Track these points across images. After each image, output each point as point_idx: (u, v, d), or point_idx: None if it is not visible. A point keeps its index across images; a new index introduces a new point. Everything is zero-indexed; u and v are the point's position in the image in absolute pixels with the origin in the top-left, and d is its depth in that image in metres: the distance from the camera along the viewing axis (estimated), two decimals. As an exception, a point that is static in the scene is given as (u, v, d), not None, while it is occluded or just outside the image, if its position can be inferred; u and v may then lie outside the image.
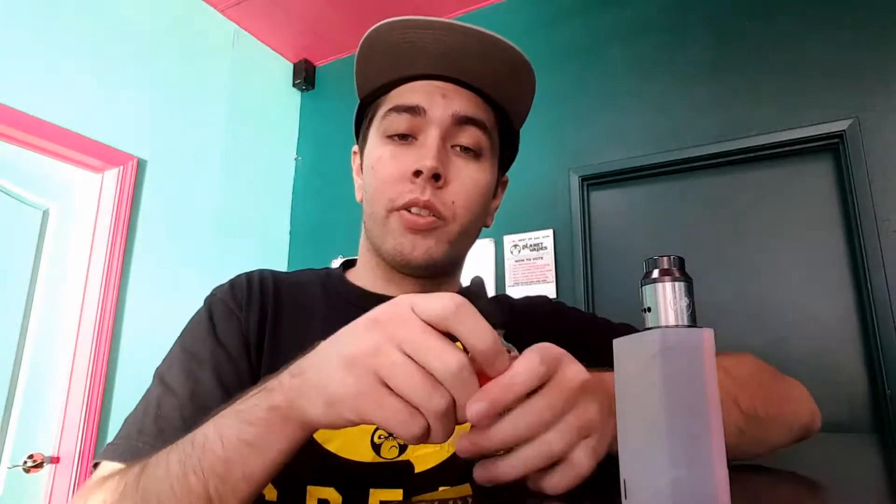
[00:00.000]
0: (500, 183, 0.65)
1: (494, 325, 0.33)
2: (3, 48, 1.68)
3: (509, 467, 0.32)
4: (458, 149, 0.55)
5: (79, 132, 1.84)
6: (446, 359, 0.30)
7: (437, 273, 0.58)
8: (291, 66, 2.81)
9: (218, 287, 0.60)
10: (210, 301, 0.58)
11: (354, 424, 0.33)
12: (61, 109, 1.80)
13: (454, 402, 0.30)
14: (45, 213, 1.84)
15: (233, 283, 0.59)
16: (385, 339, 0.31)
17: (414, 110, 0.54)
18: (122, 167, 1.95)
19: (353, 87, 0.61)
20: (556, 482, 0.33)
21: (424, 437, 0.31)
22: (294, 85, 2.79)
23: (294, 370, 0.36)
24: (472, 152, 0.56)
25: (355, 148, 0.66)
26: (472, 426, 0.32)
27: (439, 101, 0.55)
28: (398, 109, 0.55)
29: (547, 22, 2.22)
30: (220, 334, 0.54)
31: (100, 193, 1.95)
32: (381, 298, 0.58)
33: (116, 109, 1.98)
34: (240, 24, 2.52)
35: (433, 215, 0.53)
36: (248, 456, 0.35)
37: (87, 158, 1.88)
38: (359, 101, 0.62)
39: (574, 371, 0.34)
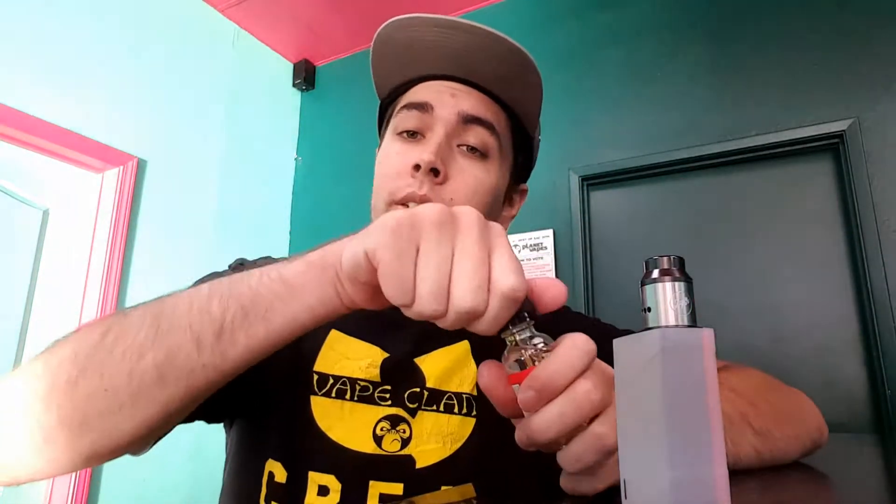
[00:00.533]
0: (517, 191, 0.65)
1: (526, 316, 0.33)
2: (3, 48, 1.68)
3: (567, 464, 0.31)
4: (464, 148, 0.55)
5: (79, 132, 1.84)
6: (469, 293, 0.29)
7: None
8: (291, 66, 2.81)
9: (241, 257, 0.62)
10: (233, 264, 0.60)
11: (366, 265, 0.31)
12: (61, 109, 1.80)
13: (442, 316, 0.30)
14: (45, 213, 1.84)
15: (257, 260, 0.60)
16: (453, 230, 0.31)
17: (422, 107, 0.55)
18: (122, 167, 1.95)
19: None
20: (585, 484, 0.31)
21: (396, 304, 0.30)
22: (294, 85, 2.79)
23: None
24: (479, 153, 0.55)
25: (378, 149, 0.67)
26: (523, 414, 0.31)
27: (447, 100, 0.55)
28: (409, 107, 0.56)
29: (547, 22, 2.22)
30: None
31: (100, 193, 1.96)
32: None
33: (116, 109, 1.98)
34: (240, 24, 2.52)
35: None
36: (279, 293, 0.34)
37: (87, 158, 1.88)
38: (379, 101, 0.63)
39: (606, 365, 0.32)
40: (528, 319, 0.33)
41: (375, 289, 0.32)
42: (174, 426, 0.46)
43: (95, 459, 0.36)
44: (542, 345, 0.32)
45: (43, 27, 1.78)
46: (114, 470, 1.83)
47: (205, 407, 0.50)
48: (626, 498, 0.25)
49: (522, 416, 0.32)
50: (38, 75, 1.76)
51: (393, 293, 0.30)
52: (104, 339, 0.35)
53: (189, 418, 0.48)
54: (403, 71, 0.58)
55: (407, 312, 0.30)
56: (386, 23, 0.54)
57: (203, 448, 2.05)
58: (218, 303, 0.35)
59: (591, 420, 0.30)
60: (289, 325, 0.35)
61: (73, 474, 1.72)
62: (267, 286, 0.35)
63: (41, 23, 1.78)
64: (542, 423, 0.30)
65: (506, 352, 0.34)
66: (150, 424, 0.35)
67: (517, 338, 0.33)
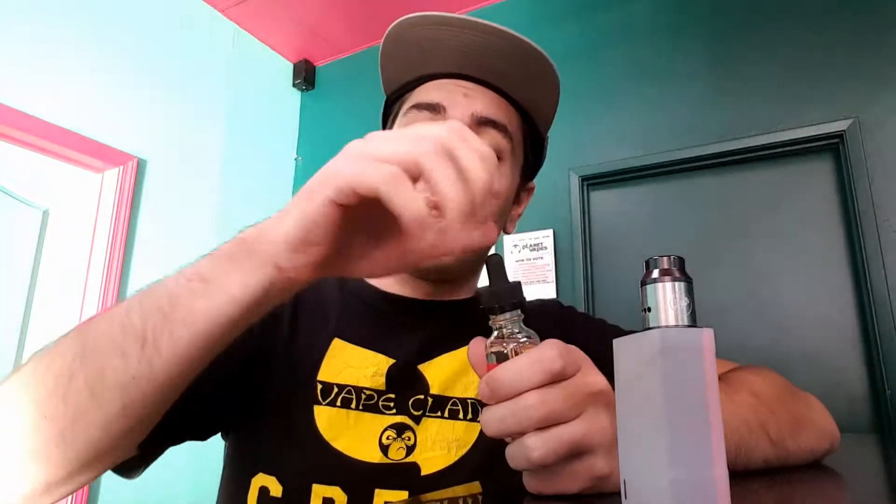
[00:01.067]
0: (525, 189, 0.64)
1: (514, 306, 0.33)
2: (3, 48, 1.68)
3: (509, 459, 0.32)
4: None
5: (79, 132, 1.84)
6: (439, 123, 0.29)
7: (450, 278, 0.58)
8: (291, 66, 2.81)
9: None
10: None
11: (328, 217, 0.30)
12: (61, 109, 1.80)
13: (448, 148, 0.29)
14: (45, 213, 1.84)
15: None
16: (374, 138, 0.31)
17: (434, 108, 0.53)
18: (122, 167, 1.95)
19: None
20: (532, 486, 0.33)
21: (396, 183, 0.28)
22: (294, 85, 2.79)
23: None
24: None
25: None
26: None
27: (460, 101, 0.53)
28: (419, 107, 0.54)
29: (547, 22, 2.22)
30: None
31: (100, 193, 1.95)
32: (395, 298, 0.58)
33: (116, 109, 1.98)
34: (240, 24, 2.52)
35: None
36: (197, 294, 0.33)
37: (87, 158, 1.88)
38: (381, 98, 0.62)
39: (593, 379, 0.33)
40: (519, 312, 0.33)
41: (327, 252, 0.32)
42: (155, 449, 0.46)
43: (55, 489, 0.35)
44: (524, 340, 0.33)
45: (43, 27, 1.78)
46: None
47: (193, 425, 0.50)
48: (625, 498, 0.25)
49: None
50: (38, 75, 1.76)
51: (405, 200, 0.28)
52: (37, 367, 0.35)
53: (179, 438, 0.48)
54: (414, 68, 0.56)
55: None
56: (398, 20, 0.53)
57: (204, 449, 2.05)
58: (138, 312, 0.33)
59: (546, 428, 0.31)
60: (213, 323, 0.33)
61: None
62: (184, 286, 0.33)
63: (41, 23, 1.78)
64: (486, 420, 0.32)
65: (490, 338, 0.34)
66: (98, 447, 0.34)
67: (504, 330, 0.33)
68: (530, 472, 0.33)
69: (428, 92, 0.55)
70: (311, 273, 0.32)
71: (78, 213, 1.93)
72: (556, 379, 0.31)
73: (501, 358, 0.33)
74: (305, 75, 2.75)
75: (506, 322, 0.33)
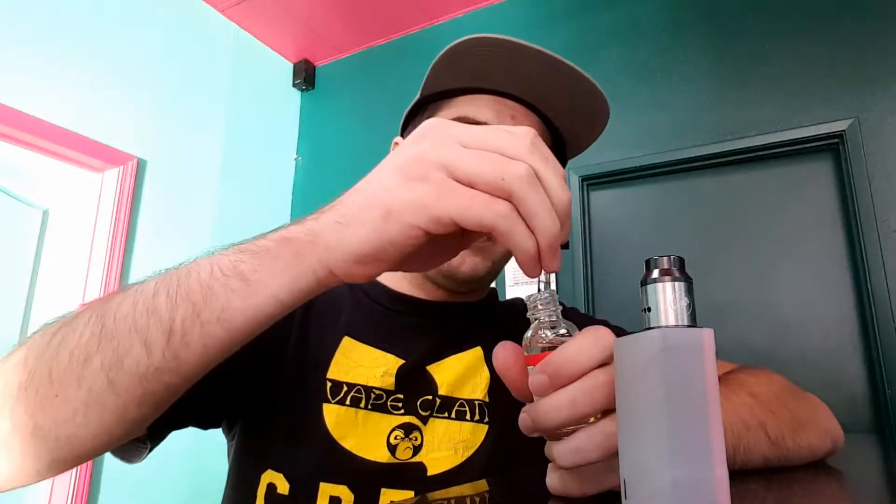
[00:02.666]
0: None
1: (558, 299, 0.33)
2: (3, 48, 1.68)
3: (562, 455, 0.29)
4: None
5: (79, 132, 1.84)
6: (514, 135, 0.29)
7: (479, 287, 0.59)
8: (291, 66, 2.81)
9: None
10: None
11: (410, 241, 0.29)
12: (61, 109, 1.80)
13: (535, 173, 0.28)
14: (45, 213, 1.84)
15: None
16: (445, 138, 0.30)
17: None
18: (122, 167, 1.95)
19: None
20: (578, 486, 0.30)
21: (513, 222, 0.28)
22: (294, 85, 2.79)
23: (324, 208, 0.32)
24: None
25: (398, 139, 0.64)
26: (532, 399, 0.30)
27: (507, 122, 0.54)
28: (465, 122, 0.53)
29: (547, 21, 2.22)
30: None
31: (100, 193, 1.95)
32: (406, 299, 0.59)
33: (116, 109, 1.98)
34: (240, 24, 2.52)
35: None
36: (236, 290, 0.31)
37: (87, 158, 1.88)
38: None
39: None
40: (558, 303, 0.32)
41: (391, 266, 0.31)
42: (162, 432, 0.45)
43: (60, 466, 0.34)
44: (565, 331, 0.32)
45: (43, 27, 1.78)
46: (114, 470, 1.83)
47: (197, 412, 0.50)
48: (626, 498, 0.25)
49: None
50: (38, 75, 1.76)
51: (490, 212, 0.28)
52: (51, 341, 0.33)
53: (181, 423, 0.48)
54: (464, 79, 0.55)
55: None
56: (468, 36, 0.52)
57: (204, 448, 2.05)
58: (165, 300, 0.31)
59: (603, 416, 0.29)
60: (251, 321, 0.32)
61: (73, 474, 1.72)
62: (220, 281, 0.31)
63: (41, 23, 1.78)
64: (551, 407, 0.29)
65: (527, 333, 0.33)
66: (111, 431, 0.33)
67: (542, 318, 0.32)
68: (578, 471, 0.30)
69: (475, 106, 0.55)
70: (364, 278, 0.32)
71: (78, 213, 1.93)
72: (606, 362, 0.30)
73: (544, 348, 0.31)
74: (305, 75, 2.74)
75: (546, 312, 0.32)
